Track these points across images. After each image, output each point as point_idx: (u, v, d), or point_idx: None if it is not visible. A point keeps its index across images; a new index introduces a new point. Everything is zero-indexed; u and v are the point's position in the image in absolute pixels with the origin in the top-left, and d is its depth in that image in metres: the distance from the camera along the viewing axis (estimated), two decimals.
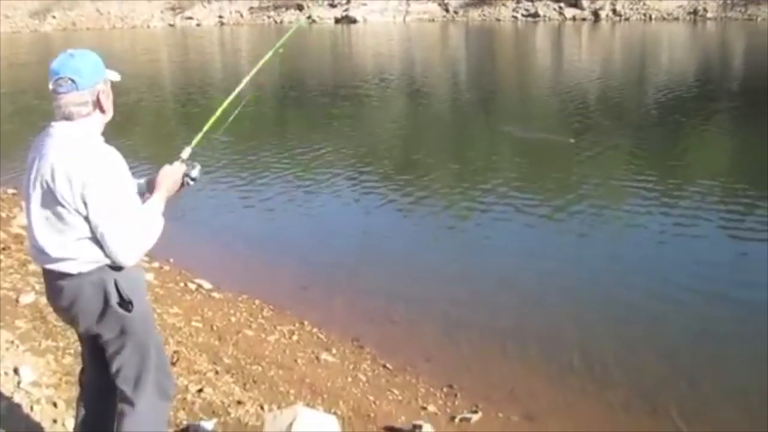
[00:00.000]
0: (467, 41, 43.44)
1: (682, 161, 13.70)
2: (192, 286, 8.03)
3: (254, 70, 4.38)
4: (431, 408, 5.68)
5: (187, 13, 57.96)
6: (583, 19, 49.02)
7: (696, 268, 8.39)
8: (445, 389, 5.99)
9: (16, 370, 4.95)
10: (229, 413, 4.85)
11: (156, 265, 8.57)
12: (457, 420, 5.50)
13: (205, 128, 3.96)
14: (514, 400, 5.85)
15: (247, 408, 4.99)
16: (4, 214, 9.88)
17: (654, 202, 10.78)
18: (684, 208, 10.44)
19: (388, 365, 6.38)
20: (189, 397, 5.01)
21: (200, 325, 6.77)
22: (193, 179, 3.59)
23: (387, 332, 7.09)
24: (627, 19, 48.51)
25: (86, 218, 3.05)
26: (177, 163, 3.59)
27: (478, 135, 16.93)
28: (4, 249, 7.99)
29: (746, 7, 46.16)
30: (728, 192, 11.29)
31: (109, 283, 3.16)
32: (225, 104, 4.07)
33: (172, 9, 58.69)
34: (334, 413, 5.02)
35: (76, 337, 3.88)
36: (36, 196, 3.10)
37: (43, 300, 5.03)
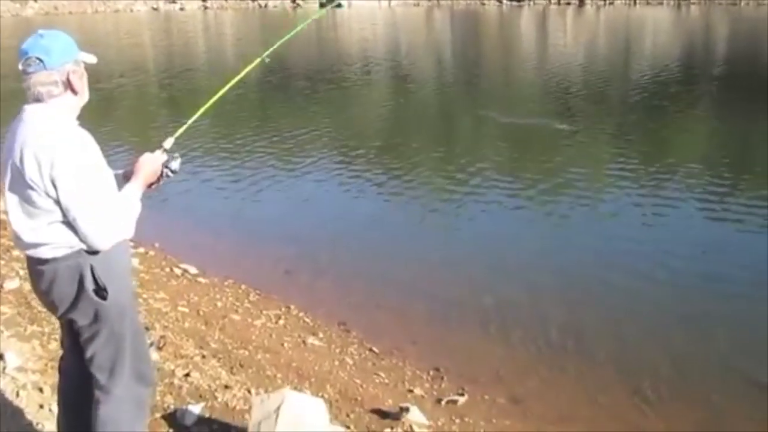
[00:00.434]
0: (452, 26, 43.38)
1: (666, 145, 13.76)
2: (178, 271, 8.01)
3: (242, 74, 4.40)
4: (418, 391, 5.71)
5: None
6: (568, 3, 49.08)
7: (680, 250, 8.45)
8: (431, 372, 6.03)
9: (1, 356, 4.92)
10: (216, 397, 4.84)
11: (141, 250, 8.53)
12: (443, 403, 5.54)
13: (190, 122, 3.93)
14: (500, 382, 5.89)
15: (234, 392, 4.98)
16: None
17: (638, 185, 10.87)
18: (668, 191, 10.55)
19: (374, 349, 6.40)
20: (176, 381, 5.00)
21: (186, 309, 6.75)
22: (173, 171, 3.51)
23: (373, 316, 7.12)
24: (612, 3, 48.62)
25: (57, 201, 2.98)
26: (158, 152, 3.52)
27: (462, 120, 16.95)
28: None
29: None
30: (710, 175, 11.37)
31: (85, 268, 3.09)
32: (210, 102, 4.07)
33: None
34: (322, 397, 5.02)
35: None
36: (9, 180, 3.04)
37: (28, 285, 5.00)
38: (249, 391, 5.03)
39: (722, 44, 31.17)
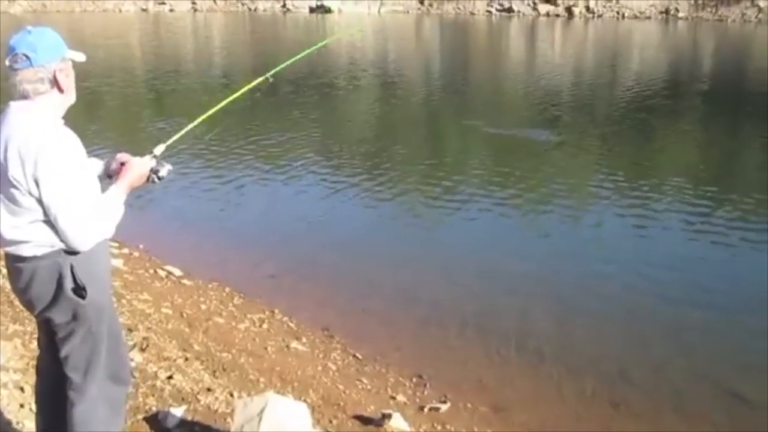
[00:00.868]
0: (441, 34, 43.51)
1: (650, 158, 13.86)
2: (162, 273, 7.99)
3: (242, 91, 4.43)
4: (400, 397, 5.72)
5: None
6: (557, 16, 49.34)
7: (662, 262, 8.51)
8: (414, 379, 6.04)
9: None
10: (198, 400, 4.83)
11: (126, 251, 8.51)
12: (426, 410, 5.55)
13: (183, 131, 3.93)
14: (483, 390, 5.91)
15: (216, 395, 4.97)
16: None
17: (622, 197, 10.94)
18: (651, 204, 10.63)
19: (357, 355, 6.40)
20: (158, 383, 4.98)
21: (170, 311, 6.73)
22: (159, 178, 3.52)
23: (357, 322, 7.12)
24: (600, 17, 48.91)
25: (39, 200, 2.97)
26: (147, 158, 3.52)
27: (449, 129, 17.00)
28: None
29: (717, 8, 46.76)
30: (693, 188, 11.45)
31: (64, 267, 3.08)
32: (206, 115, 4.09)
33: None
34: (304, 401, 5.02)
35: None
36: None
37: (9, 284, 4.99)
38: (231, 395, 5.02)
39: (708, 59, 31.43)
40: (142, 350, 5.53)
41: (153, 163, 3.51)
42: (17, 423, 4.20)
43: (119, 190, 3.29)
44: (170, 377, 5.11)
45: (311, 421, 4.36)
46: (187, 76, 25.09)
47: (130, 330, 5.82)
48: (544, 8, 49.94)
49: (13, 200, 3.00)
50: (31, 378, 4.68)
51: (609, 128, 16.33)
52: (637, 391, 5.89)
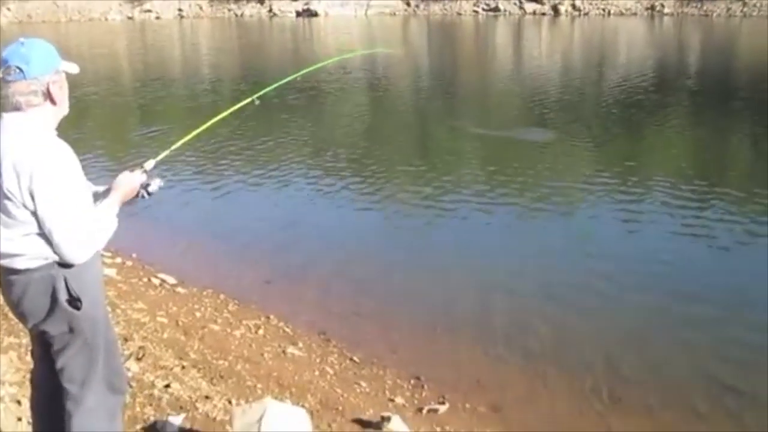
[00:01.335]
0: (429, 35, 43.56)
1: (639, 155, 13.90)
2: (156, 282, 7.96)
3: (229, 111, 4.47)
4: (399, 400, 5.71)
5: (146, 6, 57.26)
6: (543, 14, 49.47)
7: (656, 259, 8.53)
8: (412, 381, 6.03)
9: None
10: (196, 408, 4.82)
11: (119, 260, 8.48)
12: (424, 411, 5.54)
13: (173, 147, 3.95)
14: (481, 390, 5.91)
15: (214, 402, 4.96)
16: None
17: (613, 195, 10.97)
18: (642, 202, 10.67)
19: (355, 358, 6.40)
20: (156, 392, 4.97)
21: (165, 320, 6.71)
22: (149, 193, 3.54)
23: (353, 325, 7.11)
24: (586, 14, 49.06)
25: (34, 213, 2.97)
26: (138, 172, 3.54)
27: (440, 130, 17.01)
28: None
29: (702, 3, 46.97)
30: (684, 184, 11.48)
31: (58, 280, 3.08)
32: (195, 133, 4.11)
33: (131, 1, 57.92)
34: (302, 406, 5.01)
35: None
36: None
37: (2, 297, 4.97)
38: (229, 402, 5.01)
39: (694, 55, 31.56)
40: (138, 359, 5.51)
41: (143, 177, 3.52)
42: None
43: (112, 203, 3.29)
44: (167, 386, 5.10)
45: (311, 426, 4.35)
46: (175, 84, 25.07)
47: (125, 339, 5.81)
48: (530, 7, 50.07)
49: (7, 213, 2.99)
50: (28, 391, 4.65)
51: (597, 126, 16.38)
52: (635, 388, 5.91)
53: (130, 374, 4.95)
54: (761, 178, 11.65)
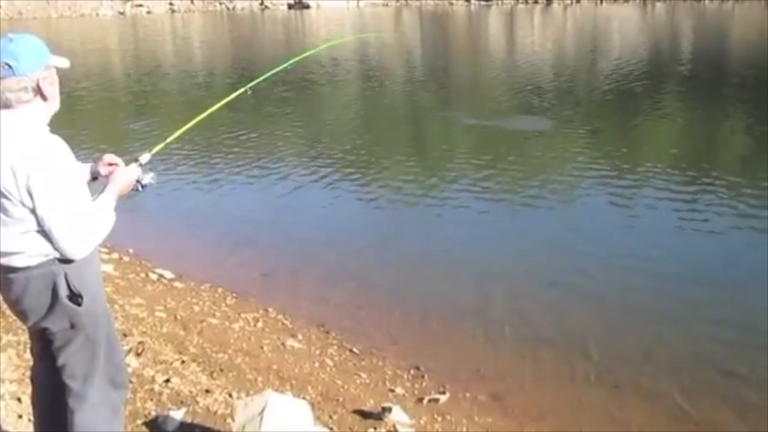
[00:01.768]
0: (421, 26, 43.48)
1: (635, 143, 13.93)
2: (153, 276, 7.95)
3: (223, 102, 4.47)
4: (399, 390, 5.71)
5: (137, 1, 57.01)
6: (536, 2, 49.42)
7: (656, 243, 8.56)
8: (412, 371, 6.03)
9: None
10: (197, 402, 4.81)
11: (115, 256, 8.46)
12: (425, 401, 5.54)
13: (168, 140, 3.95)
14: (481, 380, 5.91)
15: (215, 396, 4.95)
16: None
17: (609, 183, 10.97)
18: (638, 189, 10.69)
19: (354, 349, 6.39)
20: (156, 387, 4.96)
21: (164, 315, 6.70)
22: (143, 186, 3.54)
23: (352, 317, 7.10)
24: (578, 2, 49.06)
25: (32, 210, 2.95)
26: (133, 166, 3.53)
27: (433, 122, 17.00)
28: None
29: None
30: (680, 171, 11.52)
31: (58, 276, 3.06)
32: (188, 126, 4.10)
33: None
34: (303, 399, 5.01)
35: None
36: None
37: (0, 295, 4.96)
38: (230, 395, 5.00)
39: (687, 41, 31.57)
40: (138, 355, 5.50)
41: (139, 171, 3.51)
42: None
43: (109, 197, 3.28)
44: (168, 380, 5.09)
45: (312, 417, 4.35)
46: (167, 78, 25.01)
47: (124, 335, 5.79)
48: None
49: (4, 212, 2.97)
50: (28, 388, 4.64)
51: (591, 114, 16.39)
52: (634, 375, 5.91)
53: (129, 369, 4.93)
54: (755, 164, 11.68)
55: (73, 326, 3.16)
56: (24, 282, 3.08)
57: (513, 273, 7.95)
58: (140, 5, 56.72)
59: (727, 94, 18.07)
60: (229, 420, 4.46)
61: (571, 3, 48.88)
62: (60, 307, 3.10)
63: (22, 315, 3.24)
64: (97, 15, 56.29)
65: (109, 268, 7.84)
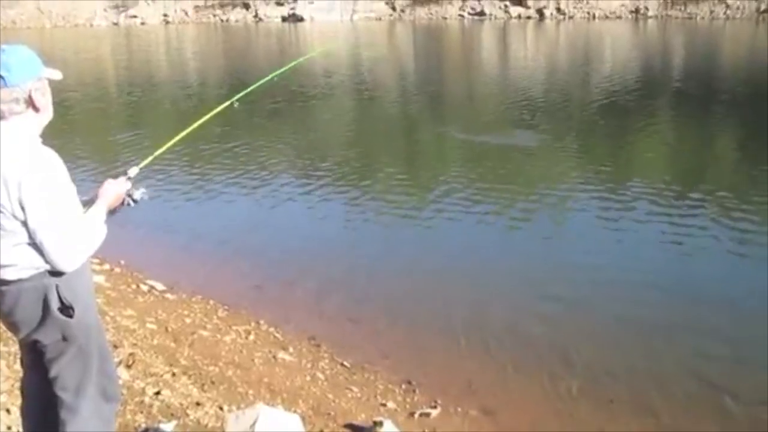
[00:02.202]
0: (414, 40, 43.64)
1: (627, 159, 13.98)
2: (144, 288, 7.93)
3: (210, 115, 4.50)
4: (390, 404, 5.70)
5: (131, 12, 57.09)
6: (528, 18, 49.65)
7: (648, 259, 8.57)
8: (403, 385, 6.02)
9: None
10: (188, 415, 4.79)
11: (107, 267, 8.44)
12: (416, 416, 5.53)
13: (156, 154, 3.96)
14: (473, 394, 5.90)
15: (206, 409, 4.94)
16: None
17: (601, 199, 10.99)
18: (630, 204, 10.67)
19: (345, 363, 6.38)
20: (147, 399, 4.94)
21: (155, 326, 6.68)
22: (134, 200, 3.53)
23: (344, 330, 7.10)
24: (571, 18, 49.26)
25: (24, 223, 2.95)
26: (122, 179, 3.53)
27: (426, 137, 17.02)
28: None
29: (685, 6, 47.30)
30: (671, 187, 11.54)
31: (50, 288, 3.06)
32: (176, 139, 4.13)
33: (116, 7, 57.74)
34: (294, 412, 5.00)
35: None
36: None
37: None
38: (221, 408, 4.99)
39: (679, 57, 31.75)
40: (128, 367, 5.48)
41: (128, 185, 3.51)
42: None
43: (99, 210, 3.27)
44: (158, 393, 5.07)
45: (303, 431, 4.34)
46: (159, 89, 25.03)
47: (115, 346, 5.77)
48: (515, 11, 50.23)
49: None
50: (17, 399, 4.61)
51: (583, 129, 16.46)
52: (627, 388, 5.92)
53: (120, 381, 4.91)
54: (746, 180, 11.74)
55: (65, 338, 3.15)
56: (15, 295, 3.07)
57: (504, 287, 7.96)
58: (134, 16, 56.73)
59: (718, 110, 18.18)
60: None
61: (564, 18, 49.10)
62: (52, 320, 3.09)
63: (13, 327, 3.23)
64: (92, 25, 56.28)
65: (100, 279, 7.82)
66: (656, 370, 6.26)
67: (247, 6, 55.46)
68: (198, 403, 5.03)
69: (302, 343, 6.76)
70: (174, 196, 11.70)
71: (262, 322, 7.19)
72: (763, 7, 45.25)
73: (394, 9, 53.68)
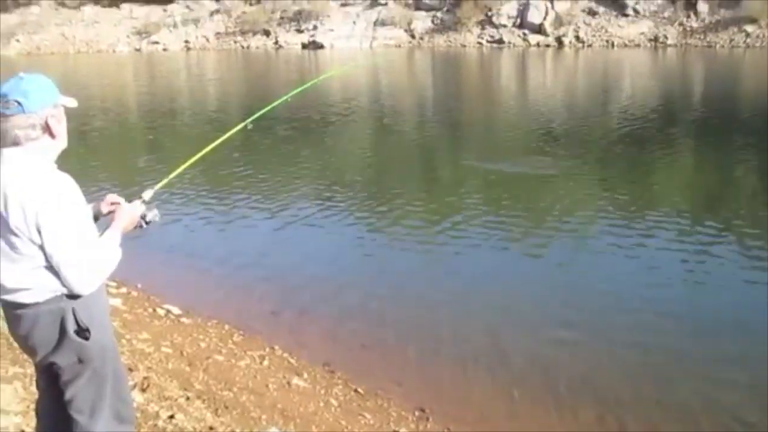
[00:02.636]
0: (433, 67, 43.82)
1: (647, 188, 13.84)
2: (161, 312, 7.98)
3: (224, 138, 4.56)
4: (403, 431, 5.68)
5: (154, 38, 57.71)
6: (547, 46, 49.67)
7: (666, 291, 8.49)
8: (416, 413, 6.01)
9: None
10: None
11: (124, 290, 8.50)
12: None
13: (170, 176, 4.03)
14: (486, 422, 5.89)
15: None
16: None
17: (620, 227, 10.88)
18: (650, 234, 10.56)
19: (359, 389, 6.38)
20: (160, 423, 4.96)
21: (170, 350, 6.72)
22: (147, 222, 3.60)
23: (358, 357, 7.11)
24: (590, 46, 49.23)
25: (41, 247, 3.01)
26: (137, 202, 3.60)
27: (444, 164, 17.02)
28: None
29: (705, 35, 47.16)
30: (690, 215, 11.51)
31: (66, 311, 3.11)
32: (190, 162, 4.20)
33: (138, 34, 58.41)
34: None
35: None
36: None
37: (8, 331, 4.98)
38: None
39: (698, 86, 31.65)
40: (143, 390, 5.51)
41: (143, 208, 3.57)
42: None
43: (114, 233, 3.33)
44: (172, 417, 5.09)
45: None
46: (179, 114, 25.24)
47: (130, 370, 5.80)
48: (534, 39, 50.32)
49: (13, 248, 3.02)
50: (32, 421, 4.65)
51: (602, 158, 16.38)
52: (643, 420, 5.87)
53: (134, 404, 4.94)
54: (765, 210, 11.64)
55: (80, 360, 3.19)
56: (33, 318, 3.12)
57: (520, 316, 7.94)
58: (156, 42, 57.34)
59: (738, 139, 18.06)
60: None
61: (583, 46, 49.12)
62: (68, 342, 3.14)
63: (30, 350, 3.28)
64: (114, 51, 56.93)
65: (117, 302, 7.88)
66: (674, 401, 6.22)
67: (267, 33, 55.92)
68: (211, 428, 5.04)
69: (316, 369, 6.77)
70: (192, 220, 11.79)
71: (276, 347, 7.21)
72: None
73: (413, 36, 53.92)
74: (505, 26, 51.85)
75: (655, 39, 48.40)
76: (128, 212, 3.49)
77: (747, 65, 38.14)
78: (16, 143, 3.08)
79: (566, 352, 7.05)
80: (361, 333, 7.58)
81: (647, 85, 31.24)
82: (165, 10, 59.19)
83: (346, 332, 7.62)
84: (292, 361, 6.94)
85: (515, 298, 8.42)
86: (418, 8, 54.71)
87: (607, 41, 49.39)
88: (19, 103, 3.04)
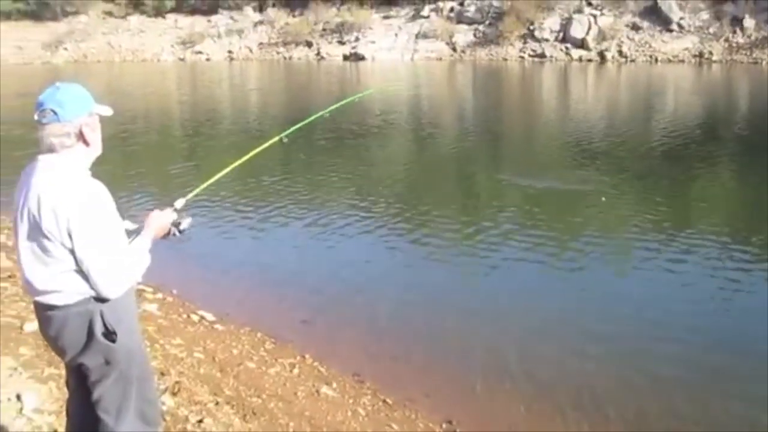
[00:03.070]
0: (474, 80, 43.77)
1: (682, 207, 13.63)
2: (195, 318, 8.08)
3: (258, 150, 4.65)
4: None
5: (197, 48, 58.49)
6: (590, 60, 49.32)
7: (704, 313, 8.37)
8: (444, 425, 6.02)
9: (18, 397, 4.99)
10: None
11: (159, 296, 8.62)
12: None
13: (202, 186, 4.10)
14: None
15: None
16: (11, 243, 9.95)
17: (657, 248, 10.69)
18: (688, 254, 10.37)
19: (387, 400, 6.40)
20: (189, 427, 5.03)
21: (202, 356, 6.80)
22: (180, 231, 3.66)
23: (387, 367, 7.13)
24: (633, 61, 48.79)
25: (72, 251, 3.11)
26: (168, 210, 3.68)
27: (483, 179, 16.93)
28: (10, 277, 8.06)
29: (751, 51, 46.44)
30: (730, 235, 11.32)
31: (95, 314, 3.21)
32: (224, 172, 4.30)
33: (183, 43, 59.28)
34: None
35: None
36: (23, 228, 3.17)
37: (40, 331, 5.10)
38: None
39: (744, 103, 31.18)
40: (174, 394, 5.59)
41: (174, 216, 3.64)
42: None
43: (145, 240, 3.43)
44: (200, 421, 5.16)
45: None
46: (219, 123, 25.48)
47: (162, 374, 5.90)
48: (576, 53, 50.01)
49: (45, 251, 3.13)
50: (65, 420, 4.76)
51: (642, 175, 16.13)
52: None
53: (164, 408, 5.02)
54: None
55: (107, 362, 3.28)
56: (62, 319, 3.22)
57: (552, 331, 7.89)
58: (200, 52, 58.08)
59: None
60: None
61: (626, 61, 48.68)
62: (95, 344, 3.23)
63: (60, 350, 3.37)
64: (158, 60, 57.79)
65: (152, 307, 8.00)
66: (706, 419, 6.14)
67: (309, 44, 56.35)
68: None
69: (346, 379, 6.80)
70: (228, 228, 11.92)
71: (307, 356, 7.26)
72: None
73: (454, 49, 53.92)
74: (547, 40, 51.59)
75: (700, 55, 47.79)
76: (158, 219, 3.57)
77: None
78: (51, 150, 3.19)
79: (596, 368, 7.01)
80: (392, 344, 7.61)
81: (690, 101, 30.83)
82: (209, 21, 60.02)
83: (377, 343, 7.65)
84: (322, 370, 6.98)
85: (547, 313, 8.38)
86: (459, 21, 54.68)
87: (650, 56, 48.89)
88: (54, 113, 3.16)
